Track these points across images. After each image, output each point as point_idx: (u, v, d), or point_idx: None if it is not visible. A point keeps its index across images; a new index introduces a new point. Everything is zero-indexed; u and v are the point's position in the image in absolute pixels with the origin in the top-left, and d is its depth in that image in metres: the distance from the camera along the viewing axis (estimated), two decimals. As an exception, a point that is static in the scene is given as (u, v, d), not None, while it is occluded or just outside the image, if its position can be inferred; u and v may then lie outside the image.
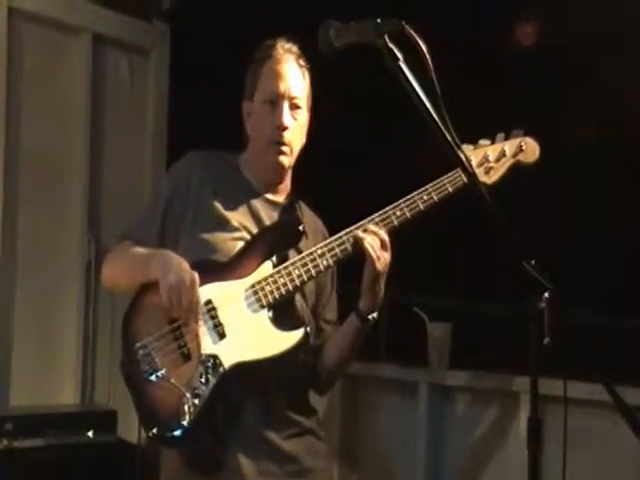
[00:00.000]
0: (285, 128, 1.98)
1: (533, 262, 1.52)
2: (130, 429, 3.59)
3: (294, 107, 2.00)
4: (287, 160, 2.02)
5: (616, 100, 2.75)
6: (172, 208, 2.03)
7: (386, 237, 1.93)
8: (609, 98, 2.76)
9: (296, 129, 2.01)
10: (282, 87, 1.98)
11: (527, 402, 1.56)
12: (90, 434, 3.32)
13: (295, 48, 2.03)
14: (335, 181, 3.31)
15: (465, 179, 1.90)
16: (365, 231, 1.93)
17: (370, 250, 1.90)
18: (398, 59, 1.50)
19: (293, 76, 2.01)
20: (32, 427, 3.20)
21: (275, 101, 1.99)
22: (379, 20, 1.53)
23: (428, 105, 1.48)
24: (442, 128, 1.48)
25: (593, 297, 2.68)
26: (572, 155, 2.78)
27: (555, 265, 1.63)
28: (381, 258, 1.92)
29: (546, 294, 1.52)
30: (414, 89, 1.48)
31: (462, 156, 1.52)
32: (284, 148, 2.00)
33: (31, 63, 3.62)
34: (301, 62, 2.03)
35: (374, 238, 1.92)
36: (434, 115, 1.48)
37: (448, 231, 2.98)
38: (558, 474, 1.72)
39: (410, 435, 3.21)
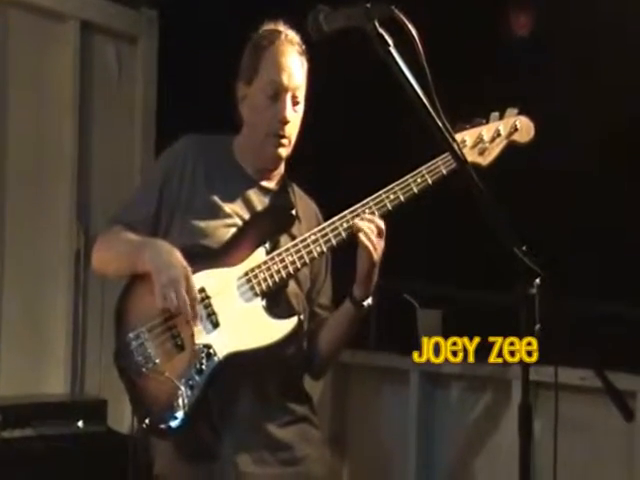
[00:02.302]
0: (287, 122, 1.98)
1: (524, 248, 1.52)
2: (120, 419, 3.58)
3: (295, 100, 1.99)
4: (285, 152, 2.03)
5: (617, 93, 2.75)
6: (167, 191, 2.01)
7: (382, 224, 1.92)
8: (611, 91, 2.76)
9: (295, 121, 2.01)
10: (285, 80, 1.97)
11: (519, 389, 1.55)
12: (80, 424, 3.31)
13: (297, 38, 2.01)
14: (330, 164, 3.31)
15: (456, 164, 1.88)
16: (362, 220, 1.91)
17: (366, 242, 1.90)
18: (388, 44, 1.49)
19: (295, 69, 1.99)
20: (21, 417, 3.18)
21: (277, 94, 1.97)
22: (369, 5, 1.51)
23: (418, 90, 1.47)
24: (433, 114, 1.47)
25: (583, 283, 2.69)
26: (573, 144, 2.78)
27: (547, 251, 1.63)
28: (377, 247, 1.91)
29: (537, 280, 1.52)
30: (404, 74, 1.47)
31: (452, 143, 1.51)
32: (284, 141, 2.00)
33: (17, 51, 3.59)
34: (301, 52, 2.02)
35: (370, 227, 1.91)
36: (424, 100, 1.47)
37: (439, 217, 2.98)
38: (550, 460, 1.72)
39: (401, 423, 3.21)
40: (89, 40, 3.84)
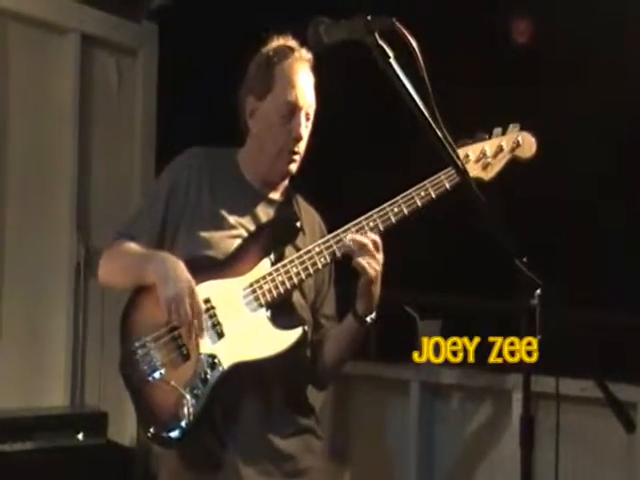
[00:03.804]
0: (301, 139, 2.00)
1: (525, 259, 1.52)
2: (121, 431, 3.57)
3: (307, 116, 2.01)
4: (296, 167, 2.05)
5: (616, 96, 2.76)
6: (173, 204, 2.02)
7: (377, 238, 1.92)
8: (609, 94, 2.77)
9: (306, 136, 2.03)
10: (301, 100, 1.98)
11: (519, 400, 1.56)
12: (80, 436, 3.30)
13: (310, 55, 2.02)
14: (334, 176, 3.31)
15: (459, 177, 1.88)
16: (353, 239, 1.90)
17: (363, 264, 1.89)
18: (388, 56, 1.49)
19: (308, 87, 2.01)
20: (21, 430, 3.18)
21: (292, 112, 1.98)
22: (369, 17, 1.52)
23: (419, 103, 1.47)
24: (434, 126, 1.47)
25: (584, 294, 2.69)
26: (572, 152, 2.79)
27: (547, 262, 1.63)
28: (372, 263, 1.91)
29: (538, 291, 1.52)
30: (405, 87, 1.48)
31: (453, 154, 1.52)
32: (296, 157, 2.02)
33: (18, 63, 3.60)
34: (312, 67, 2.03)
35: (365, 242, 1.89)
36: (425, 113, 1.47)
37: (440, 228, 2.98)
38: (551, 471, 1.72)
39: (402, 433, 3.21)
40: (89, 53, 3.85)
